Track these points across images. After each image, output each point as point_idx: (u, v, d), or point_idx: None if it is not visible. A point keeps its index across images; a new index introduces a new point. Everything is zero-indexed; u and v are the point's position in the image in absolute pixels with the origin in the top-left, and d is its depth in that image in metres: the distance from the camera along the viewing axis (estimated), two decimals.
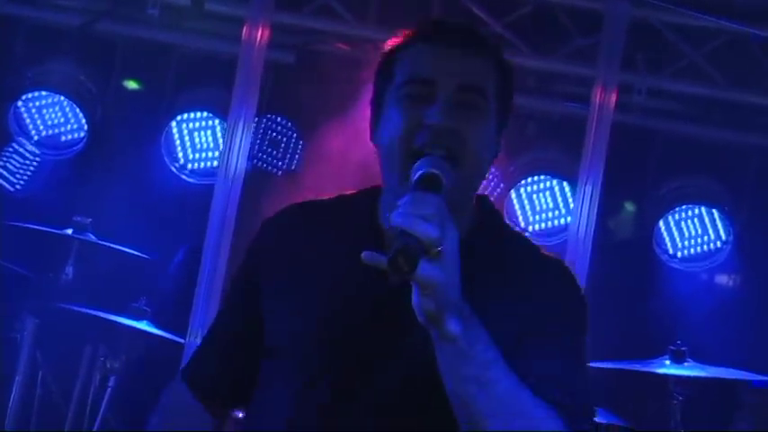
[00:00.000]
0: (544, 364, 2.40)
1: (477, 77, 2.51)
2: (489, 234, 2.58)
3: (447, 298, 2.22)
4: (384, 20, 6.79)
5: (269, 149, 6.90)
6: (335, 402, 2.47)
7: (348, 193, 2.75)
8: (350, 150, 6.53)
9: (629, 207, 7.11)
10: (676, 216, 6.82)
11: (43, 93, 6.86)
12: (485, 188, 6.79)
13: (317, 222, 2.66)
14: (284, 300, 2.57)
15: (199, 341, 3.03)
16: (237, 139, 5.77)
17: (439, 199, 2.27)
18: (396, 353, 2.47)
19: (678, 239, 6.84)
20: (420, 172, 2.34)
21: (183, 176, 6.84)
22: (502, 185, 6.93)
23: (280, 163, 6.90)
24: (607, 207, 6.50)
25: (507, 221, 2.76)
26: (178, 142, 6.85)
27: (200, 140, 6.84)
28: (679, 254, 6.84)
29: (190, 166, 6.87)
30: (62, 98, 6.84)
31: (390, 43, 2.64)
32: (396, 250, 2.14)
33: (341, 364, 2.49)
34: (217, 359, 2.72)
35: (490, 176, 6.87)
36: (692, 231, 6.84)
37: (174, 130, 6.84)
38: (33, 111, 6.89)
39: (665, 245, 6.83)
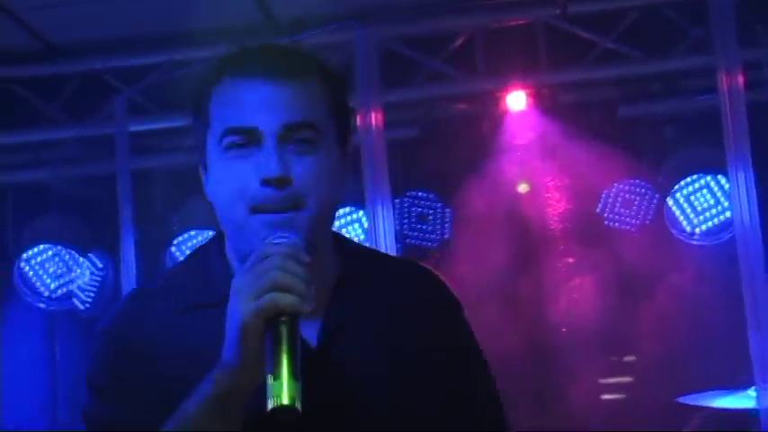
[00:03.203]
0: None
1: (302, 110, 2.29)
2: (360, 273, 2.44)
3: None
4: (492, 69, 6.78)
5: (419, 226, 6.92)
6: None
7: (182, 262, 2.57)
8: (493, 203, 6.53)
9: None
10: None
11: None
12: (641, 201, 6.69)
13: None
14: None
15: None
16: (380, 225, 5.79)
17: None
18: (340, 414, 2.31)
19: None
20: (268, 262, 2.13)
21: None
22: (657, 196, 6.78)
23: (432, 236, 6.91)
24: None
25: (364, 246, 2.64)
26: None
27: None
28: None
29: None
30: None
31: (200, 76, 2.39)
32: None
33: None
34: None
35: (643, 191, 6.77)
36: None
37: None
38: None
39: None
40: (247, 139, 2.27)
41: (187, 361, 2.26)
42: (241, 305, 2.08)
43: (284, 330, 2.06)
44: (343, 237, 2.57)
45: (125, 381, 2.30)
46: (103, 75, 6.94)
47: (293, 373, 2.02)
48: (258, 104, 2.27)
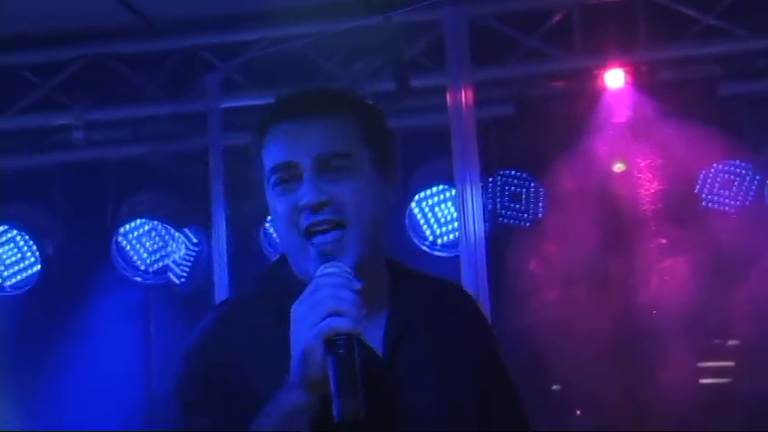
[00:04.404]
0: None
1: (334, 142, 2.60)
2: (410, 289, 2.74)
3: None
4: (590, 46, 6.69)
5: (512, 204, 6.87)
6: None
7: (255, 281, 2.83)
8: (585, 183, 6.47)
9: None
10: None
11: None
12: (741, 182, 6.57)
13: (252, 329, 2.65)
14: None
15: None
16: (469, 204, 5.72)
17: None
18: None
19: None
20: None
21: (436, 252, 6.86)
22: (758, 177, 6.64)
23: (525, 215, 6.85)
24: None
25: (409, 267, 2.85)
26: (422, 220, 6.89)
27: (442, 214, 6.86)
28: None
29: (440, 241, 6.89)
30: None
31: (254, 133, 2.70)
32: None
33: None
34: None
35: (743, 171, 6.63)
36: None
37: (416, 210, 6.88)
38: None
39: None
40: (289, 174, 2.59)
41: (274, 374, 2.46)
42: (301, 332, 2.36)
43: (343, 350, 2.32)
44: (392, 258, 2.84)
45: (217, 396, 2.54)
46: (201, 51, 7.03)
47: (355, 388, 2.29)
48: (295, 141, 2.60)
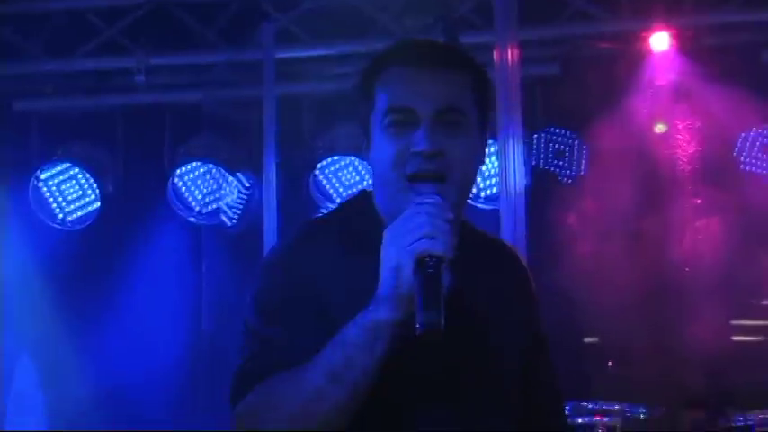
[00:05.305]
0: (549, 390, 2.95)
1: (453, 97, 2.67)
2: (472, 242, 2.78)
3: None
4: (636, 9, 6.86)
5: (555, 161, 7.07)
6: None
7: (334, 211, 2.93)
8: (625, 143, 6.64)
9: None
10: None
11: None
12: None
13: (336, 247, 2.74)
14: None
15: None
16: (511, 160, 5.90)
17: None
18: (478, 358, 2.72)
19: None
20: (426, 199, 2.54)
21: (479, 205, 7.03)
22: None
23: (568, 171, 7.05)
24: None
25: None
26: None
27: (486, 167, 7.02)
28: None
29: (483, 194, 7.07)
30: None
31: (370, 60, 2.78)
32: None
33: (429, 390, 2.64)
34: None
35: None
36: None
37: None
38: None
39: None
40: (407, 118, 2.65)
41: (347, 298, 2.59)
42: (397, 249, 2.48)
43: (432, 271, 2.44)
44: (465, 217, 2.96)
45: (291, 307, 2.65)
46: (259, 1, 7.18)
47: (438, 305, 2.40)
48: (416, 89, 2.67)
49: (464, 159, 2.65)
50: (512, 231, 5.89)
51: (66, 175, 7.49)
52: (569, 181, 7.03)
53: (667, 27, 6.80)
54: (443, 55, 2.75)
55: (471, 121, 2.68)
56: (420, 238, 2.45)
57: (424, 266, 2.44)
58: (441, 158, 2.61)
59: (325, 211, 6.10)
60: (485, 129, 2.75)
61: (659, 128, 6.85)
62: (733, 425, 6.08)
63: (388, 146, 2.65)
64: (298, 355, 2.55)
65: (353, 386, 2.50)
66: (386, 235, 2.51)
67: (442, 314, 2.39)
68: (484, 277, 2.80)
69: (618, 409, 6.12)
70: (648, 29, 6.83)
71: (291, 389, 2.55)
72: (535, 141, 7.06)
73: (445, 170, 2.61)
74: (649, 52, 6.83)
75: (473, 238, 2.83)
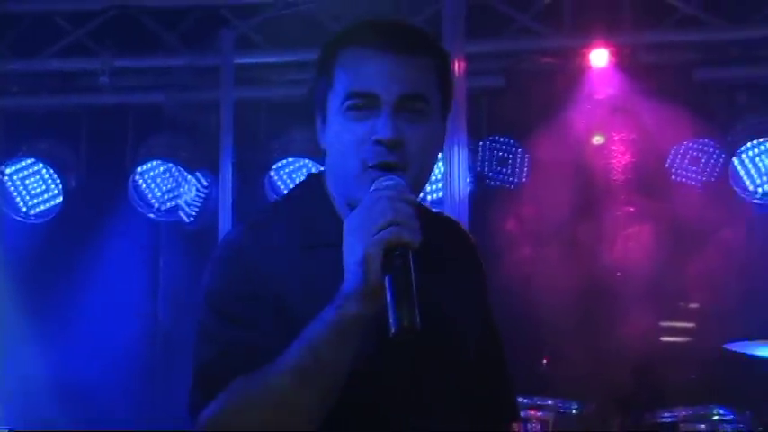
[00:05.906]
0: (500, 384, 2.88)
1: (417, 83, 2.55)
2: (426, 224, 2.52)
3: None
4: (578, 26, 7.20)
5: (498, 168, 7.41)
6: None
7: (286, 199, 2.81)
8: (564, 153, 7.03)
9: None
10: None
11: None
12: (708, 159, 7.06)
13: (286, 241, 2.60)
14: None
15: None
16: (456, 166, 6.17)
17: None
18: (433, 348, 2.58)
19: None
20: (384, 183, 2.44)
21: None
22: (723, 156, 7.13)
23: (510, 179, 7.40)
24: None
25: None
26: None
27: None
28: None
29: (429, 197, 7.37)
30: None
31: (329, 40, 2.66)
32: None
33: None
34: None
35: (710, 149, 7.14)
36: None
37: None
38: None
39: None
40: (367, 102, 2.52)
41: (304, 294, 2.50)
42: (362, 240, 2.34)
43: (402, 262, 2.31)
44: None
45: (247, 305, 2.51)
46: (220, 9, 7.49)
47: (413, 301, 2.28)
48: (380, 73, 2.53)
49: (425, 148, 2.54)
50: None
51: (31, 170, 7.71)
52: (511, 187, 7.35)
53: (606, 44, 7.15)
54: (408, 38, 2.59)
55: (434, 107, 2.57)
56: (385, 227, 2.33)
57: (393, 258, 2.31)
58: (401, 149, 2.50)
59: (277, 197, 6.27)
60: (446, 113, 2.64)
61: (596, 139, 7.22)
62: (659, 421, 6.35)
63: (346, 131, 2.53)
64: (260, 358, 2.43)
65: (325, 387, 2.40)
66: (347, 226, 2.39)
67: (417, 312, 2.27)
68: (441, 260, 2.66)
69: (551, 405, 6.33)
70: (588, 45, 7.18)
71: (260, 395, 2.43)
72: (480, 149, 7.39)
73: (406, 160, 2.50)
74: (589, 68, 7.19)
75: (426, 219, 2.56)
